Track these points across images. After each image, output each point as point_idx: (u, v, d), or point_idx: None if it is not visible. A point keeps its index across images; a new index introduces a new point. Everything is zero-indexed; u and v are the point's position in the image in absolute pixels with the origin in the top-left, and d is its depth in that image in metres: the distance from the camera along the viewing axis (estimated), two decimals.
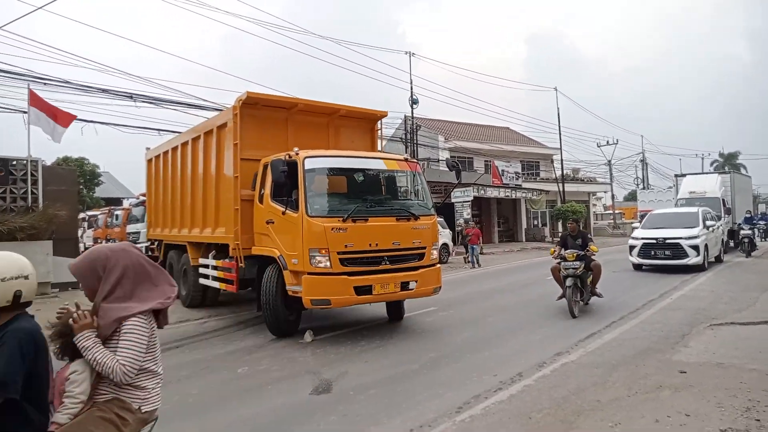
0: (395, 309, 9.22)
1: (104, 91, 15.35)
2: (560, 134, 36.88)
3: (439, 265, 8.59)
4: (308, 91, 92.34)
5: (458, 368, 6.31)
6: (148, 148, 13.94)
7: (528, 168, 41.29)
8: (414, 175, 8.80)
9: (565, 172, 38.58)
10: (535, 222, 37.64)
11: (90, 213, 28.80)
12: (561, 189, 36.12)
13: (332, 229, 7.30)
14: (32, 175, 13.27)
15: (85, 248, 20.39)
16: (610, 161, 46.58)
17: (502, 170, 31.70)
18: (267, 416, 4.98)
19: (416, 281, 7.93)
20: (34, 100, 13.45)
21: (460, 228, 23.29)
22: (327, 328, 8.73)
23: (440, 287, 8.56)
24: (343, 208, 7.58)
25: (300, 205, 7.42)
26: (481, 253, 19.94)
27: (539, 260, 20.16)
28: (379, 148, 10.65)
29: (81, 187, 31.69)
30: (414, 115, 27.87)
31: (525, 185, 34.98)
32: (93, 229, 25.81)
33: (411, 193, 8.82)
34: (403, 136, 26.62)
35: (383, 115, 10.62)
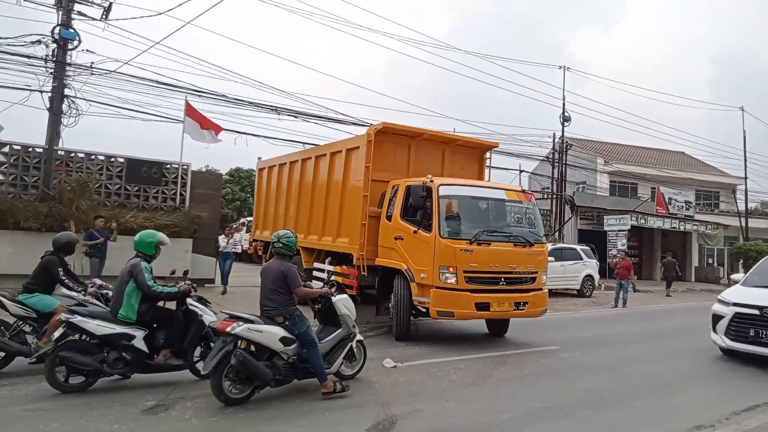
0: (500, 325, 9.74)
1: (252, 104, 16.25)
2: (746, 160, 31.70)
3: (546, 290, 9.17)
4: (462, 109, 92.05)
5: (562, 427, 5.08)
6: (259, 158, 15.06)
7: (704, 198, 36.13)
8: (529, 206, 9.35)
9: (751, 205, 33.01)
10: (709, 260, 32.50)
11: (249, 219, 31.18)
12: (744, 224, 30.88)
13: (460, 250, 8.15)
14: (182, 178, 14.41)
15: (243, 251, 21.89)
16: None
17: (669, 198, 27.90)
18: None
19: (527, 302, 8.67)
20: (190, 111, 14.63)
21: (610, 260, 20.79)
22: (423, 354, 7.89)
23: (546, 310, 9.30)
24: (470, 232, 8.34)
25: (433, 226, 8.29)
26: (634, 291, 17.43)
27: (707, 304, 17.07)
28: (486, 177, 11.22)
29: (246, 194, 34.66)
30: (566, 134, 25.86)
31: (698, 217, 30.45)
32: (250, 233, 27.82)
33: (526, 221, 9.23)
34: (550, 156, 24.68)
35: (494, 145, 11.66)
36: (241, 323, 5.26)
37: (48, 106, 13.00)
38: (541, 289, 8.91)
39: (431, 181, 8.51)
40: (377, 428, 4.79)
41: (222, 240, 13.63)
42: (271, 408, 5.24)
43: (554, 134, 24.58)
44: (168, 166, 14.33)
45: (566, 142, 25.51)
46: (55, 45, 12.81)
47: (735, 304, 8.24)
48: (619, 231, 23.48)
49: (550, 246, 18.09)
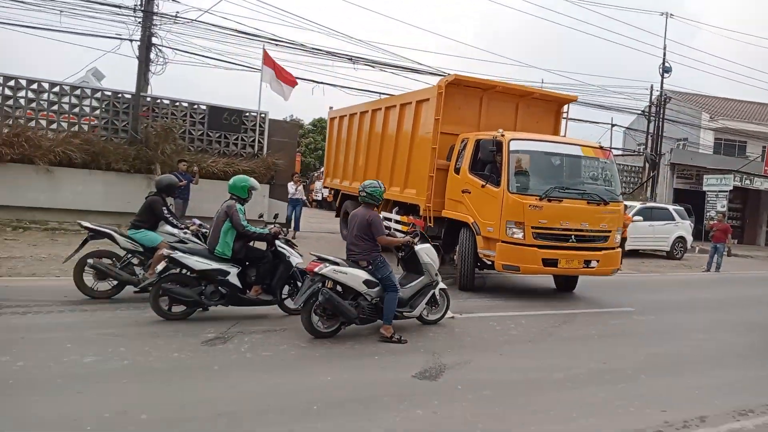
0: (568, 281, 9.58)
1: (329, 53, 16.13)
2: None
3: (619, 249, 8.87)
4: (553, 59, 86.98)
5: (620, 390, 4.77)
6: (331, 108, 15.06)
7: None
8: (606, 163, 8.98)
9: None
10: None
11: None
12: None
13: (529, 205, 8.01)
14: (260, 126, 14.74)
15: (322, 198, 22.36)
16: None
17: None
18: (345, 388, 4.33)
19: (598, 261, 8.45)
20: (267, 60, 14.77)
21: (707, 221, 19.21)
22: (485, 307, 7.72)
23: (619, 269, 9.04)
24: (540, 188, 8.17)
25: (502, 181, 8.16)
26: (728, 255, 16.07)
27: None
28: (562, 131, 10.76)
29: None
30: (668, 87, 23.70)
31: None
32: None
33: (602, 179, 8.88)
34: (647, 110, 22.78)
35: (572, 99, 11.02)
36: (327, 264, 5.61)
37: (136, 54, 13.65)
38: (613, 248, 8.64)
39: (502, 136, 8.36)
40: (423, 375, 4.74)
41: (291, 187, 13.87)
42: (323, 347, 5.33)
43: (651, 86, 22.58)
44: (247, 114, 14.67)
45: (665, 94, 23.39)
46: None
47: None
48: (719, 192, 21.56)
49: (639, 205, 17.01)
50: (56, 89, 12.73)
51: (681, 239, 17.18)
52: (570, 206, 8.24)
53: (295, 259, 6.36)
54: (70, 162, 12.11)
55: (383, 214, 11.65)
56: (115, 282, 6.56)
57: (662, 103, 22.69)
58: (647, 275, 13.47)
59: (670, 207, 17.87)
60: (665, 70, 22.58)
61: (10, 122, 12.08)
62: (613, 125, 23.33)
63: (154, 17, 13.89)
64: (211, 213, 6.71)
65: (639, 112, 22.67)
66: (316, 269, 5.54)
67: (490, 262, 8.58)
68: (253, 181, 6.43)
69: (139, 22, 13.65)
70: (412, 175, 10.40)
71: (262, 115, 14.82)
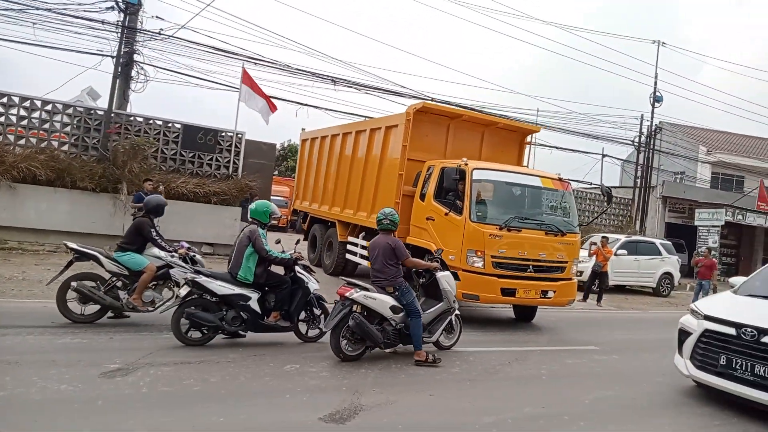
0: (527, 311, 9.55)
1: (313, 74, 16.00)
2: None
3: (575, 280, 8.94)
4: (536, 84, 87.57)
5: None
6: (303, 129, 15.11)
7: None
8: (564, 194, 9.05)
9: None
10: None
11: None
12: None
13: (490, 235, 8.06)
14: (236, 146, 14.48)
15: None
16: None
17: None
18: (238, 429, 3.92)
19: (555, 291, 8.50)
20: (246, 79, 14.60)
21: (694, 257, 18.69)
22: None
23: (574, 300, 9.08)
24: (501, 218, 8.24)
25: (464, 209, 8.19)
26: (714, 292, 15.53)
27: None
28: (525, 162, 11.04)
29: None
30: (665, 118, 23.49)
31: None
32: None
33: (560, 210, 9.00)
34: (637, 139, 22.50)
35: (535, 130, 11.51)
36: (358, 290, 5.91)
37: (117, 71, 13.50)
38: (570, 279, 8.73)
39: (465, 165, 8.41)
40: (332, 417, 4.30)
41: None
42: (236, 382, 4.91)
43: (641, 116, 22.34)
44: (223, 134, 14.43)
45: (656, 125, 23.15)
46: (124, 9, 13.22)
47: (706, 318, 5.74)
48: (711, 227, 21.11)
49: (623, 238, 16.58)
50: (27, 103, 12.54)
51: (668, 275, 16.69)
52: (529, 236, 8.29)
53: (313, 285, 6.47)
54: (35, 179, 11.81)
55: (350, 238, 11.57)
56: (97, 307, 6.34)
57: (652, 133, 22.43)
58: (626, 312, 12.99)
59: (657, 241, 17.41)
60: (656, 99, 22.38)
61: None
62: (604, 155, 23.03)
63: (136, 33, 13.84)
64: (180, 236, 6.62)
65: (629, 142, 22.34)
66: (347, 294, 5.82)
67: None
68: (274, 207, 6.58)
69: (123, 38, 13.57)
70: (379, 200, 10.29)
71: (239, 136, 14.56)
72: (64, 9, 13.42)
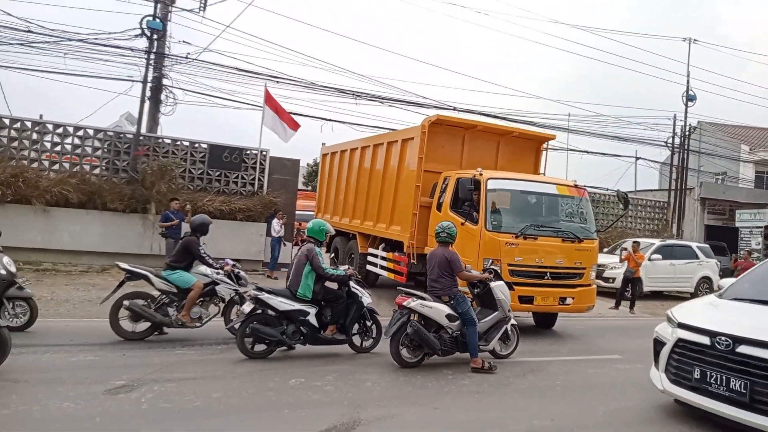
0: (546, 318, 9.47)
1: (334, 89, 16.18)
2: None
3: (594, 286, 8.95)
4: (567, 90, 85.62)
5: None
6: (323, 144, 15.38)
7: None
8: (581, 201, 9.07)
9: None
10: None
11: None
12: None
13: (506, 243, 8.14)
14: (261, 164, 14.73)
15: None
16: None
17: None
18: None
19: (573, 298, 8.54)
20: (269, 100, 14.86)
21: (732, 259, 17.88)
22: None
23: (593, 306, 8.99)
24: (517, 226, 8.28)
25: (480, 219, 8.30)
26: None
27: None
28: (542, 170, 10.98)
29: None
30: (702, 118, 22.64)
31: None
32: None
33: (577, 217, 9.01)
34: (670, 140, 21.74)
35: (551, 138, 11.36)
36: (415, 299, 6.20)
37: (147, 95, 13.98)
38: (588, 285, 8.76)
39: (480, 175, 8.51)
40: None
41: (276, 224, 13.51)
42: (236, 397, 4.92)
43: (674, 116, 21.60)
44: (248, 152, 14.70)
45: (691, 125, 22.36)
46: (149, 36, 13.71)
47: (680, 326, 5.06)
48: (754, 227, 20.18)
49: (658, 242, 15.99)
50: (60, 130, 13.08)
51: (706, 279, 15.96)
52: (545, 244, 8.35)
53: (366, 300, 6.73)
54: (67, 202, 12.28)
55: (370, 250, 11.66)
56: (147, 324, 6.63)
57: (686, 133, 21.66)
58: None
59: (693, 245, 16.72)
60: (689, 98, 21.61)
61: (14, 163, 12.41)
62: (637, 159, 22.37)
63: (164, 58, 14.31)
64: (208, 252, 6.87)
65: (662, 143, 21.61)
66: (405, 303, 6.13)
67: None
68: (328, 226, 6.92)
69: (149, 64, 14.04)
70: (397, 212, 10.52)
71: (263, 153, 14.82)
72: (95, 39, 14.05)
